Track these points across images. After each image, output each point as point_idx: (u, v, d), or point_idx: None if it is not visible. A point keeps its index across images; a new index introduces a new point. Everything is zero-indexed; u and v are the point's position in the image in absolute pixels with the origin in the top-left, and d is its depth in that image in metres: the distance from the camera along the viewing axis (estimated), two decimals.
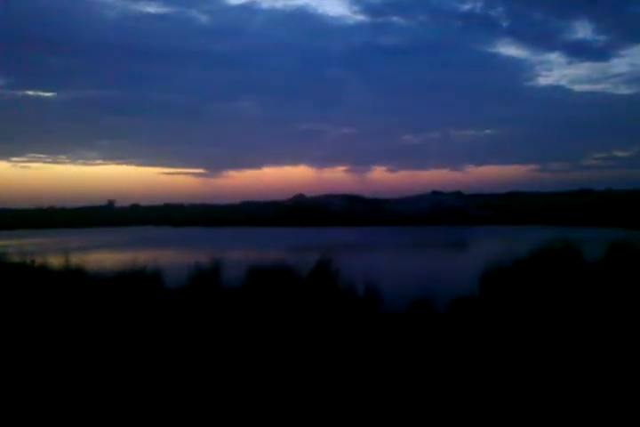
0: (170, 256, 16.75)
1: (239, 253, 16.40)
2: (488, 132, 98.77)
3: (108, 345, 5.81)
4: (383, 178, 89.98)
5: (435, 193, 48.06)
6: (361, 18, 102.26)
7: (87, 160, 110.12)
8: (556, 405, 4.32)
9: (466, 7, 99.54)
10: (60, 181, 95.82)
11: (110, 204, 65.69)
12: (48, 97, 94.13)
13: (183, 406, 4.41)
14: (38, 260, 10.35)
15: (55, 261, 9.92)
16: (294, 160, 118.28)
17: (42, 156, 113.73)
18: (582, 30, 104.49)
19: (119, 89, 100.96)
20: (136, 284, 8.68)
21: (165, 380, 4.91)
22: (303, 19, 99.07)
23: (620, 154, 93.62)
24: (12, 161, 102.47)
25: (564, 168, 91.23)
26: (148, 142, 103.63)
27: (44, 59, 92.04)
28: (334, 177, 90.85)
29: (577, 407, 4.27)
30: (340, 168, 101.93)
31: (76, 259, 9.76)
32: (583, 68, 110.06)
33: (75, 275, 9.08)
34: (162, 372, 5.09)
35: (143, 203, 68.81)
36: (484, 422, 4.11)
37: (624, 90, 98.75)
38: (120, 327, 6.40)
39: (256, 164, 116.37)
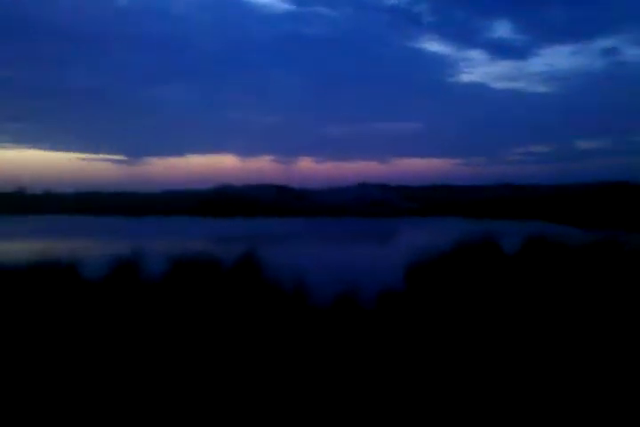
0: (87, 246, 16.04)
1: (161, 243, 15.93)
2: (414, 125, 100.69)
3: (19, 339, 5.43)
4: (310, 168, 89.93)
5: (361, 185, 48.64)
6: (287, 6, 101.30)
7: None
8: (478, 399, 4.37)
9: (391, 1, 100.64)
10: None
11: (21, 190, 62.12)
12: None
13: (93, 404, 4.16)
14: None
15: None
16: (220, 149, 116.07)
17: None
18: (503, 29, 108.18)
19: (32, 70, 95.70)
20: (52, 275, 8.19)
21: (77, 377, 4.62)
22: (230, 5, 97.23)
23: (537, 149, 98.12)
24: None
25: (486, 162, 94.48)
26: (65, 127, 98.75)
27: None
28: (261, 167, 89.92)
29: (496, 401, 4.34)
30: (267, 158, 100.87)
31: None
32: (503, 66, 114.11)
33: None
34: (73, 369, 4.79)
35: (57, 189, 65.51)
36: (405, 417, 4.10)
37: (540, 88, 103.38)
38: (32, 321, 6.01)
39: (179, 151, 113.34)
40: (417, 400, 4.34)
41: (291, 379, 4.69)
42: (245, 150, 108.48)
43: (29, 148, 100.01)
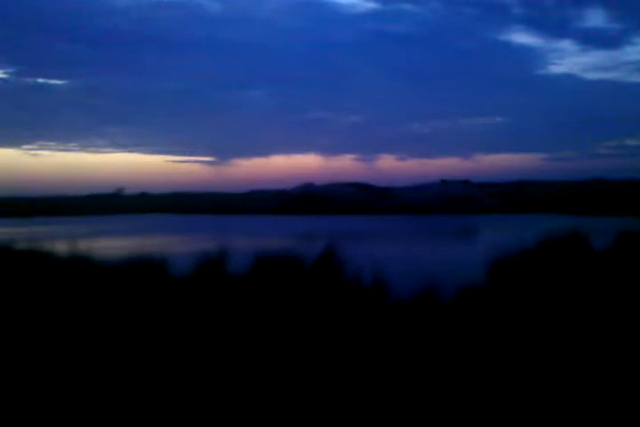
0: (177, 244, 16.77)
1: (246, 241, 16.39)
2: (498, 120, 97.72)
3: (113, 335, 5.79)
4: (392, 166, 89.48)
5: (443, 181, 47.83)
6: (371, 5, 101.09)
7: (97, 148, 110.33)
8: (562, 403, 4.26)
9: None
10: (69, 169, 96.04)
11: (119, 191, 65.85)
12: (59, 85, 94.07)
13: (188, 400, 4.39)
14: (46, 247, 10.37)
15: (62, 248, 9.93)
16: (303, 149, 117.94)
17: (52, 144, 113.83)
18: (595, 18, 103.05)
19: (130, 77, 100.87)
20: (142, 272, 8.67)
21: (171, 371, 4.89)
22: (313, 6, 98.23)
23: (631, 142, 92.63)
24: (22, 148, 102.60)
25: (575, 157, 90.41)
26: (158, 130, 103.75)
27: (55, 46, 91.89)
28: (343, 165, 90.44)
29: (582, 405, 4.21)
30: (349, 156, 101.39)
31: (83, 246, 9.77)
32: (595, 57, 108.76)
33: (81, 262, 9.08)
34: (167, 363, 5.07)
35: (152, 191, 68.98)
36: (486, 419, 4.06)
37: (636, 78, 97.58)
38: (125, 316, 6.39)
39: (264, 152, 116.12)
40: (495, 401, 4.29)
41: (371, 375, 4.75)
42: (328, 150, 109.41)
43: (126, 151, 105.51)
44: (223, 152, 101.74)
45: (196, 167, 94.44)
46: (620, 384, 4.47)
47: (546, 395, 4.32)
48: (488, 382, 4.57)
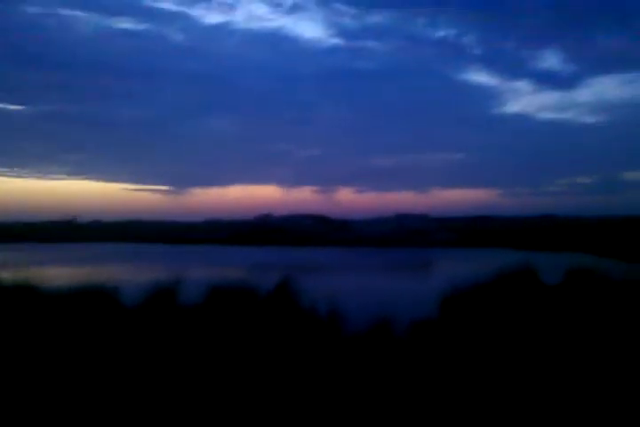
0: (129, 273, 16.42)
1: (201, 270, 16.19)
2: (456, 156, 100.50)
3: (61, 363, 5.60)
4: (350, 199, 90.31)
5: (400, 215, 48.45)
6: (336, 41, 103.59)
7: (51, 175, 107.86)
8: None
9: (440, 34, 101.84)
10: (22, 195, 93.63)
11: (72, 219, 64.42)
12: (14, 110, 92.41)
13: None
14: None
15: (9, 275, 9.61)
16: (262, 180, 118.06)
17: (4, 170, 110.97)
18: (551, 59, 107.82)
19: (88, 104, 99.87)
20: (92, 300, 8.45)
21: (119, 399, 4.74)
22: (278, 40, 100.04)
23: (582, 181, 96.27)
24: None
25: (529, 193, 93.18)
26: (115, 158, 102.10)
27: (12, 72, 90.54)
28: (302, 197, 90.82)
29: None
30: (308, 188, 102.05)
31: (32, 274, 9.48)
32: (550, 97, 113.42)
33: (27, 290, 8.79)
34: (114, 390, 4.92)
35: (106, 219, 67.65)
36: None
37: (588, 118, 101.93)
38: (74, 344, 6.20)
39: (223, 182, 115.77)
40: None
41: (324, 405, 4.71)
42: (287, 181, 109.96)
43: (82, 179, 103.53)
44: (180, 181, 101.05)
45: (153, 196, 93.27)
46: (572, 412, 4.55)
47: (496, 423, 4.35)
48: (440, 410, 4.59)
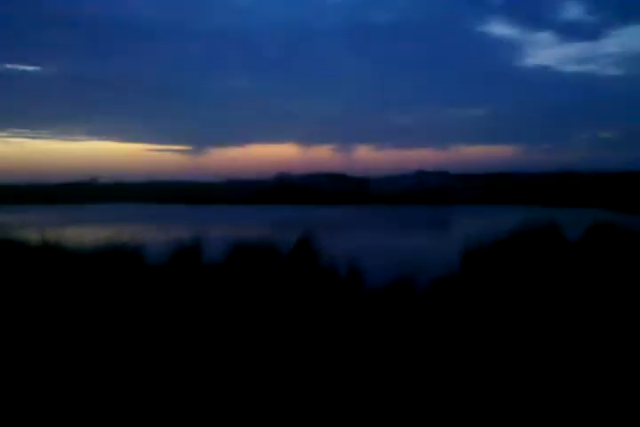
0: (152, 233, 16.61)
1: (222, 230, 16.30)
2: (476, 111, 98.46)
3: (88, 322, 5.73)
4: (369, 157, 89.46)
5: (420, 172, 48.04)
6: None
7: (71, 136, 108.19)
8: (540, 394, 4.33)
9: None
10: (42, 157, 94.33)
11: (93, 180, 64.99)
12: (32, 71, 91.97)
13: (164, 388, 4.36)
14: (18, 235, 10.19)
15: (35, 236, 9.76)
16: (280, 138, 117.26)
17: (24, 131, 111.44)
18: (573, 10, 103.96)
19: (106, 64, 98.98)
20: (117, 260, 8.58)
21: (146, 359, 4.85)
22: None
23: (605, 135, 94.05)
24: None
25: (551, 149, 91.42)
26: (134, 118, 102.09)
27: (28, 32, 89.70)
28: (320, 155, 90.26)
29: (561, 397, 4.28)
30: (326, 146, 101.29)
31: (56, 234, 9.61)
32: (573, 48, 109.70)
33: (54, 251, 8.95)
34: (142, 350, 5.03)
35: (127, 179, 68.15)
36: (462, 405, 4.11)
37: (613, 71, 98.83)
38: (99, 303, 6.33)
39: (241, 141, 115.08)
40: (470, 386, 4.34)
41: (348, 361, 4.78)
42: (306, 139, 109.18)
43: (101, 139, 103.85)
44: (200, 141, 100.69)
45: (172, 156, 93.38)
46: (592, 372, 4.56)
47: (518, 381, 4.38)
48: (463, 368, 4.63)
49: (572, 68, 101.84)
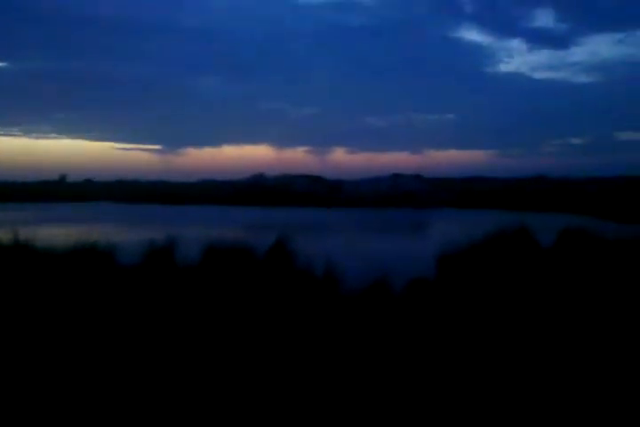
0: (123, 232, 16.39)
1: (196, 231, 16.15)
2: (449, 116, 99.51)
3: (58, 323, 5.61)
4: (344, 159, 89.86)
5: (394, 175, 48.31)
6: None
7: (40, 134, 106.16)
8: (509, 391, 4.36)
9: None
10: (11, 155, 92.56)
11: (62, 178, 63.86)
12: (0, 67, 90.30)
13: (130, 390, 4.28)
14: None
15: (5, 235, 9.54)
16: (255, 139, 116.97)
17: None
18: (544, 18, 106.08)
19: (75, 61, 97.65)
20: (88, 259, 8.42)
21: (113, 359, 4.76)
22: None
23: (576, 141, 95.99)
24: None
25: (523, 154, 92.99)
26: (104, 116, 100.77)
27: None
28: (295, 157, 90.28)
29: (529, 392, 4.32)
30: (302, 148, 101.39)
31: (25, 233, 9.40)
32: (544, 56, 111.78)
33: (24, 249, 8.75)
34: (114, 351, 4.94)
35: (97, 178, 67.20)
36: (431, 402, 4.12)
37: (583, 78, 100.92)
38: (71, 303, 6.20)
39: (215, 142, 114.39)
40: (443, 391, 4.35)
41: (322, 363, 4.75)
42: (280, 141, 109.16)
43: (71, 137, 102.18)
44: (172, 141, 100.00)
45: (144, 155, 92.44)
46: (557, 374, 4.61)
47: (485, 380, 4.41)
48: (438, 368, 4.64)
49: (542, 74, 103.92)
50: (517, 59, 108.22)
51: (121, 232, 16.20)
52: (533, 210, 29.41)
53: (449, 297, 6.98)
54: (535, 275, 7.94)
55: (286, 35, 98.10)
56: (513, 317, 6.07)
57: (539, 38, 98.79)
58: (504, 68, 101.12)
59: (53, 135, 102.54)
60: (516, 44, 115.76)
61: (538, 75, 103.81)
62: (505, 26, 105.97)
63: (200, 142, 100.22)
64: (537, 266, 8.53)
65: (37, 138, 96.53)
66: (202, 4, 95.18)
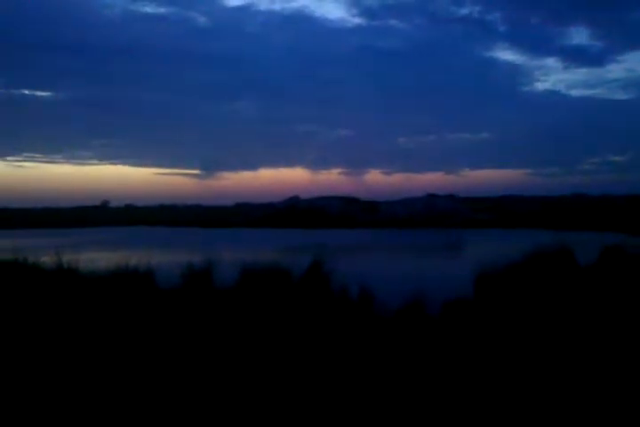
0: (163, 256, 16.68)
1: (233, 253, 16.34)
2: (484, 135, 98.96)
3: (101, 345, 5.75)
4: (379, 180, 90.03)
5: (430, 195, 48.04)
6: (359, 21, 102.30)
7: (82, 160, 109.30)
8: (552, 412, 4.30)
9: (464, 11, 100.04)
10: (54, 181, 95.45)
11: (105, 203, 65.65)
12: (45, 96, 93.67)
13: (175, 409, 4.36)
14: (31, 258, 10.26)
15: (48, 259, 9.83)
16: (290, 162, 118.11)
17: (37, 155, 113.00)
18: (579, 36, 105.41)
19: (116, 89, 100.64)
20: (128, 282, 8.62)
21: (158, 381, 4.86)
22: (301, 21, 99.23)
23: (614, 159, 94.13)
24: (7, 160, 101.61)
25: (560, 172, 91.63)
26: (144, 142, 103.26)
27: (41, 58, 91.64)
28: (330, 179, 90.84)
29: (573, 415, 4.25)
30: (336, 170, 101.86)
31: (68, 257, 9.68)
32: (580, 73, 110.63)
33: (67, 273, 9.01)
34: (154, 372, 5.04)
35: (137, 203, 68.87)
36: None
37: (620, 95, 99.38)
38: (112, 326, 6.35)
39: (252, 165, 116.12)
40: (480, 410, 4.31)
41: (357, 384, 4.76)
42: (315, 163, 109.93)
43: (112, 163, 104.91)
44: (210, 165, 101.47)
45: (183, 180, 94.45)
46: (605, 396, 4.52)
47: (529, 405, 4.35)
48: (475, 391, 4.60)
49: (579, 92, 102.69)
50: (553, 77, 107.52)
51: (160, 255, 16.48)
52: (573, 228, 28.80)
53: (487, 318, 6.90)
54: (576, 295, 7.79)
55: (319, 59, 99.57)
56: (555, 338, 5.98)
57: (574, 56, 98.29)
58: (540, 86, 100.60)
59: (95, 161, 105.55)
60: (551, 62, 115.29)
61: (574, 92, 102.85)
62: (539, 44, 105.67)
63: (237, 166, 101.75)
64: (578, 286, 8.38)
65: (80, 164, 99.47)
66: (235, 32, 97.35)
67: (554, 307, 7.19)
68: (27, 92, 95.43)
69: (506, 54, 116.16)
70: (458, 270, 12.19)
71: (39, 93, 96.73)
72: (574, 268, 9.94)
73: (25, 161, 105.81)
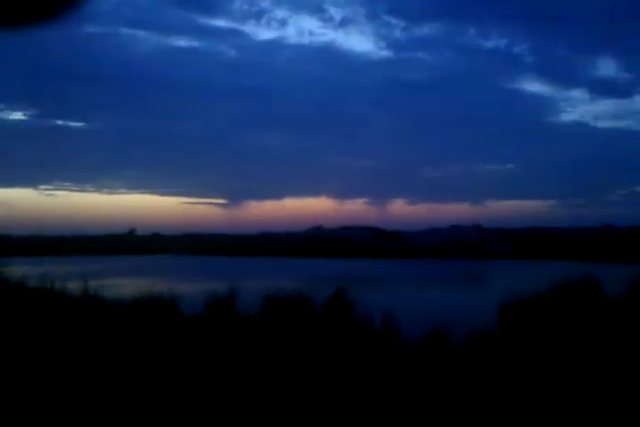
0: (188, 284, 16.80)
1: (256, 282, 16.41)
2: (510, 166, 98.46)
3: (126, 371, 5.81)
4: (402, 210, 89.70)
5: (454, 226, 47.79)
6: (386, 53, 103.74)
7: (112, 189, 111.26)
8: None
9: (490, 44, 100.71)
10: (84, 209, 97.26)
11: (132, 232, 66.55)
12: (77, 127, 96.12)
13: None
14: (58, 285, 10.45)
15: (75, 286, 10.01)
16: (316, 192, 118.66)
17: (68, 184, 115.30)
18: (605, 67, 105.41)
19: (147, 120, 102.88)
20: (152, 310, 8.72)
21: (182, 407, 4.88)
22: (329, 54, 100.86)
23: None
24: (39, 189, 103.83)
25: (586, 204, 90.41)
26: (172, 172, 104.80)
27: (74, 90, 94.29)
28: (354, 209, 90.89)
29: None
30: (361, 200, 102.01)
31: (96, 285, 9.84)
32: (606, 105, 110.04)
33: (92, 300, 9.15)
34: (178, 398, 5.07)
35: (164, 231, 69.68)
36: None
37: None
38: (136, 352, 6.41)
39: (277, 195, 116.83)
40: None
41: (381, 416, 4.73)
42: (340, 193, 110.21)
43: (140, 192, 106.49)
44: (236, 194, 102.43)
45: (209, 209, 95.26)
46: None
47: None
48: (500, 422, 4.53)
49: (606, 123, 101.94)
50: (580, 108, 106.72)
51: (185, 283, 16.61)
52: (600, 260, 28.29)
53: (512, 350, 6.81)
54: (603, 327, 7.65)
55: (346, 91, 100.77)
56: (581, 371, 5.87)
57: (601, 88, 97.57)
58: (566, 117, 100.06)
59: (124, 190, 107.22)
60: (577, 93, 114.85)
61: (601, 124, 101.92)
62: (566, 76, 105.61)
63: (262, 195, 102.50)
64: (605, 318, 8.22)
65: (109, 193, 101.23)
66: (264, 66, 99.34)
67: (580, 340, 7.06)
68: (60, 122, 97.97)
69: (533, 86, 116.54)
70: (482, 301, 12.05)
71: (72, 124, 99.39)
72: (602, 300, 9.77)
73: (56, 189, 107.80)
